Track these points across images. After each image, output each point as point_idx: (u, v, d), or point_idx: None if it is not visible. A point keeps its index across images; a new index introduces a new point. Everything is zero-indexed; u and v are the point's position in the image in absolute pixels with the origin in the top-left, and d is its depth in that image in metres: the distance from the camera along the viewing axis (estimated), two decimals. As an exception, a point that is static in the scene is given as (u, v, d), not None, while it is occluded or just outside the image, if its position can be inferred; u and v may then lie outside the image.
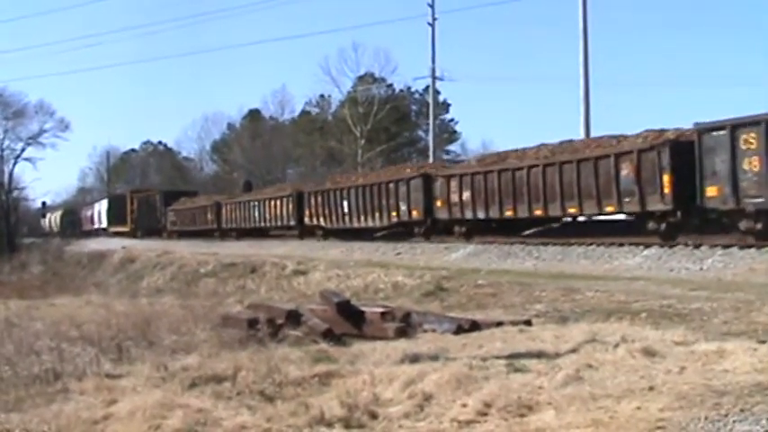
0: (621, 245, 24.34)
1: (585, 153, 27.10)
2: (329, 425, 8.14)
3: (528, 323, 14.15)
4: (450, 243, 31.68)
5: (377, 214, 36.94)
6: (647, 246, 23.37)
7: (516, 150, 32.90)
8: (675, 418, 7.38)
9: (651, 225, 24.25)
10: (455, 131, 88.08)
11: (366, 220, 37.89)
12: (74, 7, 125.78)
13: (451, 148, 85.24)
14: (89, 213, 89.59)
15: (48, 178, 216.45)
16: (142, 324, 15.03)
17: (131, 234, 73.23)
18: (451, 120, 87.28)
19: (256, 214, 49.92)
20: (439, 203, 33.23)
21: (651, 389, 8.45)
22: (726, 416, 7.35)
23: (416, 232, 34.95)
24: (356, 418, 8.23)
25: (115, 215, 78.54)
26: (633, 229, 25.58)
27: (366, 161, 74.91)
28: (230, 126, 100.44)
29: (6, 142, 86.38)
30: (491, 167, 31.21)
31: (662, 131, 25.24)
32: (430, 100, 61.11)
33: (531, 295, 18.62)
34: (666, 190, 23.16)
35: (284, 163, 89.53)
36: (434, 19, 55.95)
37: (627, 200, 24.68)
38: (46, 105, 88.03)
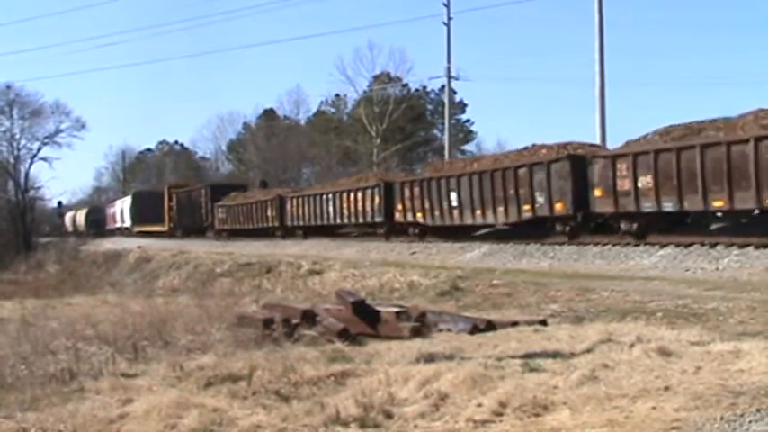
0: (637, 245, 24.26)
1: None
2: (345, 424, 8.13)
3: (543, 323, 14.13)
4: (466, 243, 31.48)
5: (500, 208, 30.07)
6: (663, 245, 23.29)
7: (714, 120, 24.66)
8: (691, 418, 7.36)
9: None
10: (471, 131, 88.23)
11: (484, 215, 31.07)
12: (89, 7, 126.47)
13: (467, 147, 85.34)
14: (111, 211, 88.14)
15: (63, 178, 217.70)
16: (158, 323, 15.05)
17: (169, 234, 67.67)
18: (467, 120, 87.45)
19: (330, 209, 42.91)
20: (598, 193, 26.06)
21: (667, 389, 8.43)
22: (741, 416, 7.33)
23: (559, 230, 28.15)
24: (372, 418, 8.22)
25: (142, 213, 74.57)
26: None
27: (381, 160, 75.01)
28: (245, 126, 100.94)
29: (23, 142, 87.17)
30: (687, 142, 23.60)
31: None
32: (446, 99, 61.11)
33: (546, 295, 18.59)
34: None
35: (299, 162, 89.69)
36: (450, 18, 56.00)
37: None
38: (62, 105, 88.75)
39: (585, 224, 27.24)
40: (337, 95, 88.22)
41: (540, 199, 28.07)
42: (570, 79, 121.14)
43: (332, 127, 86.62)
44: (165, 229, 69.50)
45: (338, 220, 42.59)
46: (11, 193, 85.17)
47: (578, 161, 27.03)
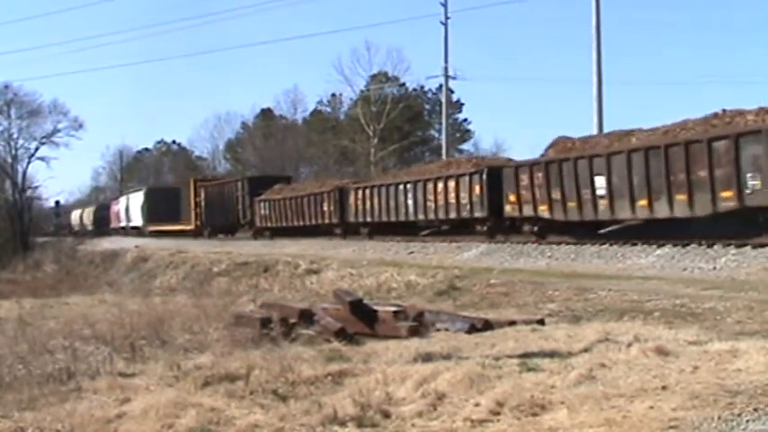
0: (635, 244, 24.22)
1: None
2: (342, 424, 8.13)
3: (541, 322, 14.14)
4: (463, 242, 31.39)
5: (679, 197, 22.43)
6: (660, 245, 23.26)
7: None
8: (688, 418, 7.36)
9: None
10: (468, 131, 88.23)
11: (651, 207, 23.49)
12: (87, 6, 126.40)
13: (464, 147, 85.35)
14: (115, 209, 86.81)
15: (61, 177, 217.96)
16: (155, 323, 15.07)
17: (195, 233, 61.27)
18: (464, 119, 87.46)
19: (410, 202, 35.53)
20: None
21: (664, 388, 8.43)
22: (739, 415, 7.33)
23: None
24: (369, 417, 8.22)
25: (156, 211, 69.93)
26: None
27: (379, 160, 75.05)
28: (243, 125, 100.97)
29: (20, 141, 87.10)
30: None
31: None
32: (443, 99, 61.06)
33: (543, 294, 18.57)
34: None
35: (297, 162, 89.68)
36: (447, 18, 55.97)
37: None
38: (60, 105, 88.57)
39: None
40: (334, 95, 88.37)
41: (754, 182, 20.60)
42: (568, 79, 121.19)
43: (329, 126, 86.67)
44: (190, 227, 63.46)
45: (420, 216, 35.36)
46: (8, 192, 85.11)
47: None
